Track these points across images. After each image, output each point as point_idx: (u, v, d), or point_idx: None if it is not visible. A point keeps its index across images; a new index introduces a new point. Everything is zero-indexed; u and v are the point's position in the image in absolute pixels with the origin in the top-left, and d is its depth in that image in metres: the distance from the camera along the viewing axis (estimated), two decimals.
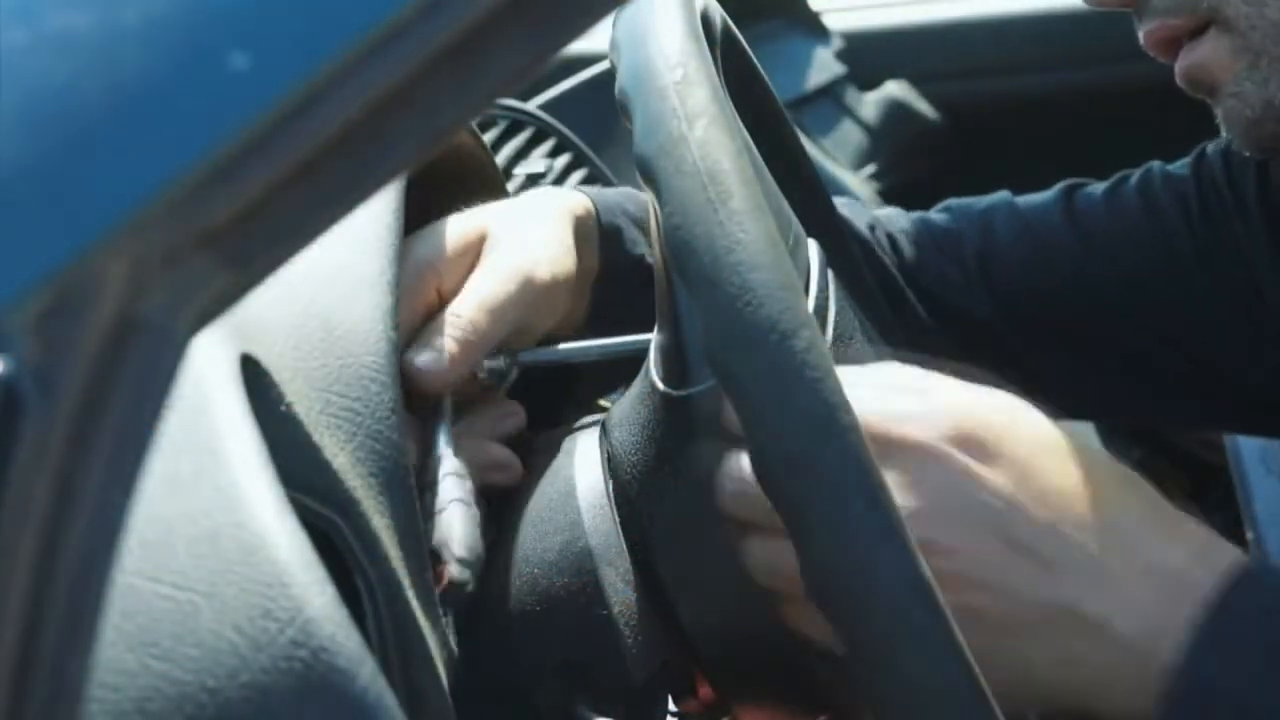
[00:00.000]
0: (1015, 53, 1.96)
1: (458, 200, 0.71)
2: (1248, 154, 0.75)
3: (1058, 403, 0.55)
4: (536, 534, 0.62)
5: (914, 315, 0.90)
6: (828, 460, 0.45)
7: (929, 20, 2.03)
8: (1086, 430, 1.44)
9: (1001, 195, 0.95)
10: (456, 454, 0.61)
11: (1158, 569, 0.53)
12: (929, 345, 0.76)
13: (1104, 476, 0.55)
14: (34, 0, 0.32)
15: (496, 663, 0.57)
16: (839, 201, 0.88)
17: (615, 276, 0.76)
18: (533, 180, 1.14)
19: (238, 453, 0.41)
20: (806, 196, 0.78)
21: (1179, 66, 0.72)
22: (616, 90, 0.55)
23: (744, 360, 0.46)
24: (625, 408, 0.64)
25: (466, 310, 0.65)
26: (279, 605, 0.38)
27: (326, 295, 0.51)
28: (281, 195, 0.31)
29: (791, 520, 0.46)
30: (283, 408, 0.46)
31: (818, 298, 0.63)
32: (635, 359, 0.67)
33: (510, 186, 1.08)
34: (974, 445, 0.53)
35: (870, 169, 1.85)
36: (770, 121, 0.78)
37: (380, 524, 0.47)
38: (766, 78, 0.78)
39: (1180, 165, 0.92)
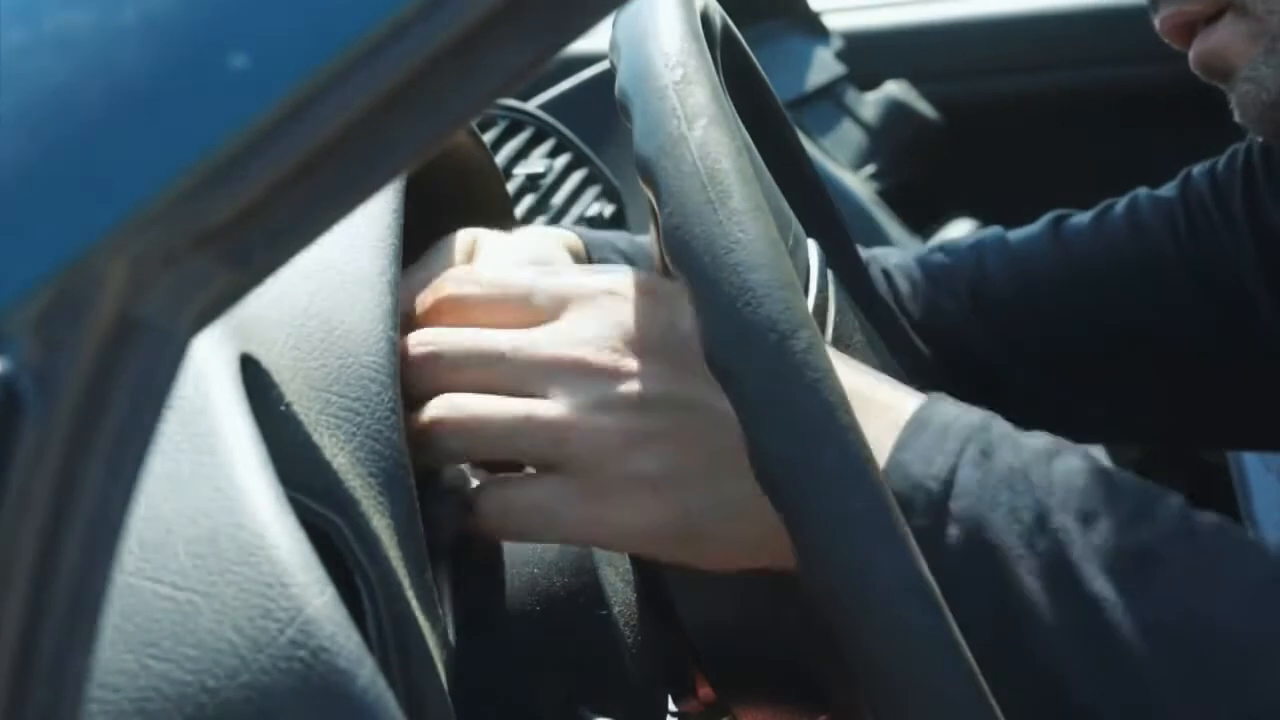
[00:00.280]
0: (1015, 53, 1.97)
1: (458, 208, 0.71)
2: (1262, 139, 0.75)
3: (1062, 429, 0.55)
4: None
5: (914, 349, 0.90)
6: (827, 460, 0.45)
7: (929, 20, 2.04)
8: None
9: (992, 229, 0.96)
10: None
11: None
12: (929, 377, 0.76)
13: None
14: (34, 0, 0.32)
15: (496, 663, 0.57)
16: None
17: None
18: (533, 180, 1.14)
19: (237, 453, 0.41)
20: (806, 196, 0.78)
21: (1194, 52, 0.72)
22: (616, 90, 0.55)
23: (743, 360, 0.46)
24: None
25: None
26: (278, 605, 0.38)
27: (326, 295, 0.51)
28: (281, 195, 0.31)
29: (791, 520, 0.46)
30: (282, 408, 0.46)
31: (817, 298, 0.63)
32: None
33: (510, 186, 1.09)
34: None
35: (870, 169, 1.86)
36: (770, 121, 0.78)
37: (380, 524, 0.47)
38: (766, 78, 0.78)
39: (1166, 188, 0.92)
